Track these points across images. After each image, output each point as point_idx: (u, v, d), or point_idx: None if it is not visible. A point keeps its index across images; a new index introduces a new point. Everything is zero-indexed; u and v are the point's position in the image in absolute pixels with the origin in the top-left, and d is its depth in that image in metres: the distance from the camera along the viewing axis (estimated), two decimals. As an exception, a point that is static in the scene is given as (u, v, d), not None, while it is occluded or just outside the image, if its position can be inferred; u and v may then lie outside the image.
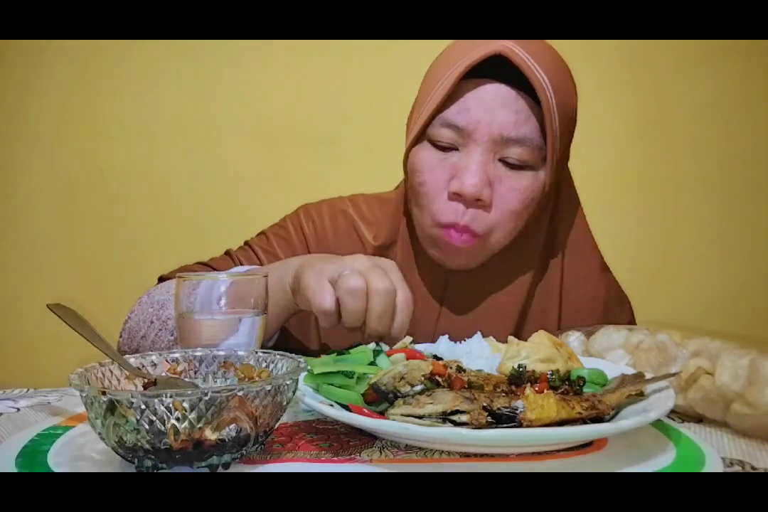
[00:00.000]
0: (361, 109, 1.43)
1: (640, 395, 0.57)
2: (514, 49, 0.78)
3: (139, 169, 1.42)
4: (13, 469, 0.49)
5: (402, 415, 0.51)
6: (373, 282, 0.67)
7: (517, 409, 0.50)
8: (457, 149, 0.81)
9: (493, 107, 0.78)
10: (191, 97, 1.43)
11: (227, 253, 0.95)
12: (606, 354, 0.71)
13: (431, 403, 0.50)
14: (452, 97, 0.79)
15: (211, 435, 0.46)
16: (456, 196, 0.80)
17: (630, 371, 0.62)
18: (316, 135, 1.43)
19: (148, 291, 0.83)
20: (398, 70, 1.41)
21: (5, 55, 1.35)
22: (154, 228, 1.42)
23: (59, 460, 0.50)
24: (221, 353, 0.58)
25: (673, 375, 0.59)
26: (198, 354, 0.58)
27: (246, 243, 0.96)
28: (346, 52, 1.39)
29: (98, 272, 1.41)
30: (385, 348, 0.64)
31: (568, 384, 0.56)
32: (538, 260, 0.90)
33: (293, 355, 0.55)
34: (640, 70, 1.42)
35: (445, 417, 0.50)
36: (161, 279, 0.90)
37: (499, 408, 0.50)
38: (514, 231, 0.84)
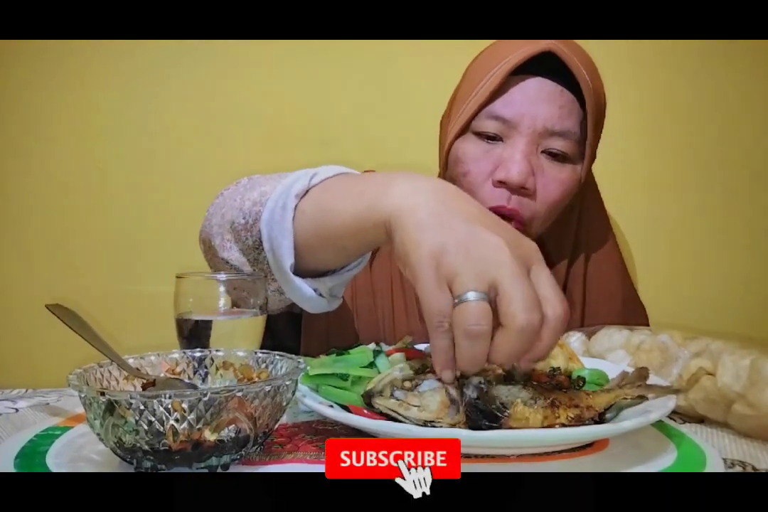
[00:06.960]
0: (361, 109, 1.43)
1: (642, 397, 0.56)
2: (562, 47, 0.81)
3: (138, 169, 1.41)
4: (12, 470, 0.48)
5: (387, 408, 0.50)
6: (512, 310, 0.45)
7: (504, 411, 0.49)
8: (501, 141, 0.83)
9: (538, 101, 0.81)
10: (191, 97, 1.42)
11: None
12: (607, 355, 0.71)
13: (417, 407, 0.50)
14: (498, 91, 0.82)
15: (210, 436, 0.46)
16: (501, 184, 0.82)
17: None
18: (316, 135, 1.42)
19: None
20: (398, 70, 1.41)
21: (3, 55, 1.35)
22: (153, 228, 1.42)
23: (58, 461, 0.50)
24: (220, 354, 0.58)
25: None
26: (197, 354, 0.58)
27: None
28: (346, 53, 1.39)
29: (97, 272, 1.41)
30: (386, 348, 0.63)
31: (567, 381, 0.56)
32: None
33: (292, 356, 0.55)
34: (643, 70, 1.42)
35: (426, 422, 0.49)
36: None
37: (485, 405, 0.49)
38: (549, 222, 0.86)
